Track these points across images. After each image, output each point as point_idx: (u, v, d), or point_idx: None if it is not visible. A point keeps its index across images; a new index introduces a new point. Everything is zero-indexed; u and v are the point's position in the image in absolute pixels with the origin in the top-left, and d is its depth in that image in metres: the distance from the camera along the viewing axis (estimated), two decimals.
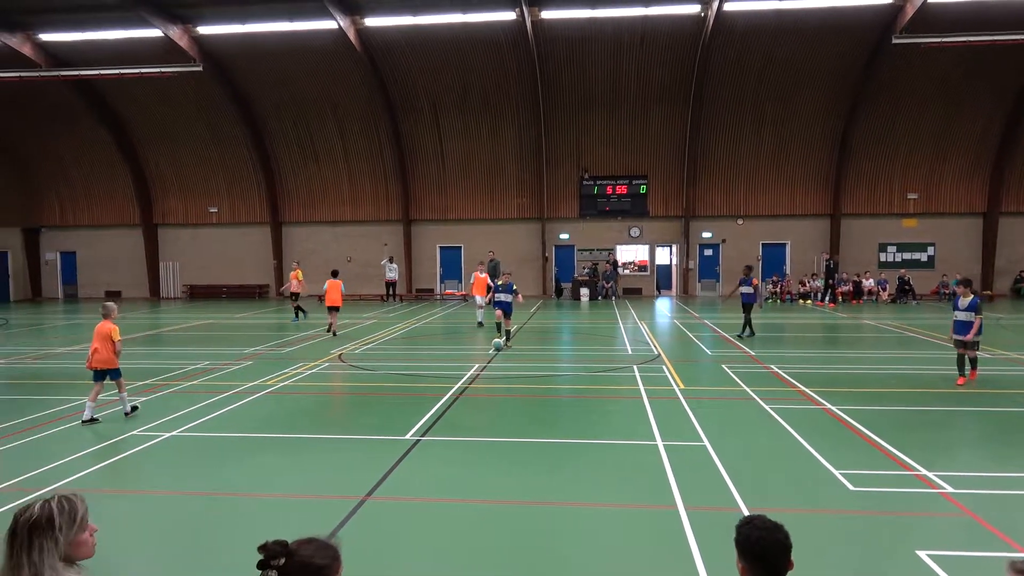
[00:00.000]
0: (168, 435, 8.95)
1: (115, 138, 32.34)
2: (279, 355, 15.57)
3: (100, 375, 9.82)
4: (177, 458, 8.13)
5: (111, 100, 31.48)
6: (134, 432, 9.04)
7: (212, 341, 18.48)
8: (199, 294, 34.62)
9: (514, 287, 17.51)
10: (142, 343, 18.25)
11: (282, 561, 2.18)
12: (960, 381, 11.43)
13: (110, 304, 10.10)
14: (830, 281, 29.27)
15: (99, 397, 9.71)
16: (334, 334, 18.92)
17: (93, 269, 35.56)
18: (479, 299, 20.71)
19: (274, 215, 33.68)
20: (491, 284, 20.93)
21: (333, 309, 19.51)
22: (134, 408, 10.05)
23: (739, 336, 17.49)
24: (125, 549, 5.62)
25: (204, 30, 26.76)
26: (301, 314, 23.31)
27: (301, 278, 24.06)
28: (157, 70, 26.81)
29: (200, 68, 26.88)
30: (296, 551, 2.21)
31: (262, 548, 2.19)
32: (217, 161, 33.31)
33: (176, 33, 26.18)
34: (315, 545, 2.27)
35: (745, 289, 17.88)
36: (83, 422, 9.44)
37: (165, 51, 26.89)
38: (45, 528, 2.39)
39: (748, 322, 17.79)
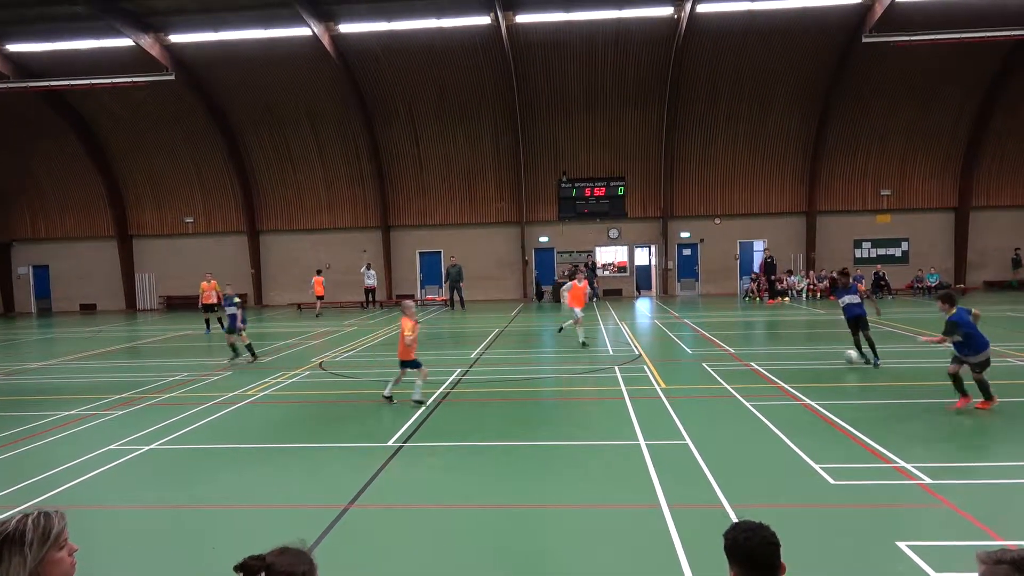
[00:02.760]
0: (147, 448, 8.84)
1: (87, 149, 31.93)
2: (259, 365, 15.43)
3: (403, 365, 10.99)
4: (156, 471, 8.03)
5: (83, 110, 31.08)
6: (112, 446, 8.91)
7: (190, 352, 18.27)
8: (176, 305, 34.22)
9: (235, 299, 15.98)
10: (120, 355, 18.00)
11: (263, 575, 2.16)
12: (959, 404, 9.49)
13: (407, 302, 11.25)
14: (771, 277, 29.55)
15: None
16: (319, 314, 27.22)
17: (67, 282, 35.04)
18: (577, 312, 17.10)
19: (251, 224, 33.41)
20: (454, 285, 28.43)
21: (319, 298, 27.83)
22: (419, 402, 10.60)
23: (876, 365, 12.73)
24: (104, 566, 5.53)
25: (176, 39, 26.50)
26: (208, 326, 22.57)
27: (218, 289, 22.98)
28: (129, 80, 26.51)
29: (172, 77, 26.61)
30: (275, 563, 2.19)
31: (240, 567, 2.17)
32: (192, 171, 32.99)
33: (147, 42, 25.92)
34: (291, 554, 2.25)
35: (850, 299, 13.17)
36: (384, 396, 10.95)
37: (137, 60, 26.61)
38: (15, 543, 2.32)
39: (869, 342, 12.94)
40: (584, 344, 16.66)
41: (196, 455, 8.63)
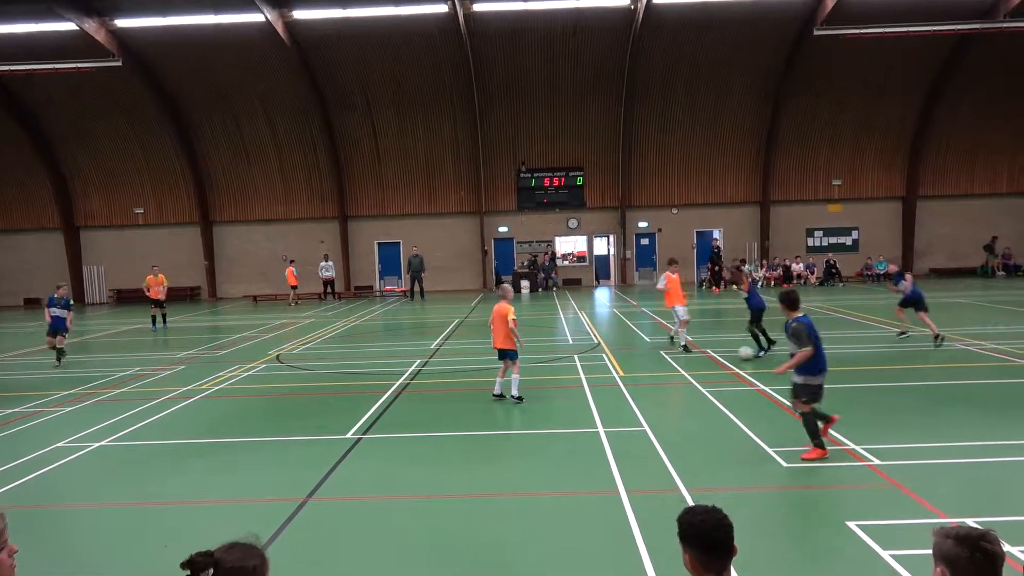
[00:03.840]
0: (96, 445, 8.60)
1: (30, 137, 30.76)
2: (213, 358, 15.13)
3: (501, 355, 10.17)
4: (106, 469, 7.82)
5: (24, 97, 29.90)
6: (60, 444, 8.65)
7: (142, 346, 17.84)
8: (127, 298, 33.29)
9: (70, 302, 15.44)
10: (67, 351, 17.43)
11: (211, 572, 2.12)
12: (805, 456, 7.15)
13: (507, 286, 10.67)
14: (716, 267, 30.04)
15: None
16: (296, 303, 28.33)
17: (11, 275, 33.75)
18: (680, 310, 13.83)
19: (204, 215, 32.65)
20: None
21: (292, 288, 28.58)
22: (519, 399, 9.97)
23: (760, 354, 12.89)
24: (52, 566, 5.37)
25: (122, 23, 25.66)
26: (160, 322, 21.90)
27: (165, 283, 22.26)
28: (72, 66, 25.53)
29: (119, 63, 25.75)
30: (223, 559, 2.15)
31: (187, 564, 2.13)
32: (142, 160, 32.05)
33: (92, 26, 25.03)
34: (240, 549, 2.22)
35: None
36: (493, 395, 10.20)
37: (82, 45, 25.66)
38: None
39: (753, 334, 13.34)
40: (686, 349, 13.66)
41: (148, 451, 8.43)
